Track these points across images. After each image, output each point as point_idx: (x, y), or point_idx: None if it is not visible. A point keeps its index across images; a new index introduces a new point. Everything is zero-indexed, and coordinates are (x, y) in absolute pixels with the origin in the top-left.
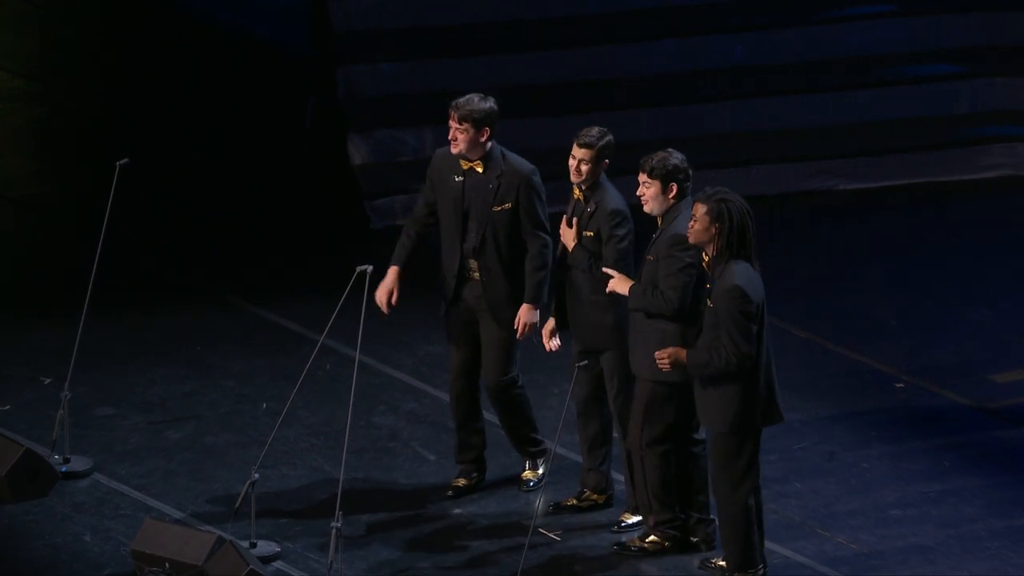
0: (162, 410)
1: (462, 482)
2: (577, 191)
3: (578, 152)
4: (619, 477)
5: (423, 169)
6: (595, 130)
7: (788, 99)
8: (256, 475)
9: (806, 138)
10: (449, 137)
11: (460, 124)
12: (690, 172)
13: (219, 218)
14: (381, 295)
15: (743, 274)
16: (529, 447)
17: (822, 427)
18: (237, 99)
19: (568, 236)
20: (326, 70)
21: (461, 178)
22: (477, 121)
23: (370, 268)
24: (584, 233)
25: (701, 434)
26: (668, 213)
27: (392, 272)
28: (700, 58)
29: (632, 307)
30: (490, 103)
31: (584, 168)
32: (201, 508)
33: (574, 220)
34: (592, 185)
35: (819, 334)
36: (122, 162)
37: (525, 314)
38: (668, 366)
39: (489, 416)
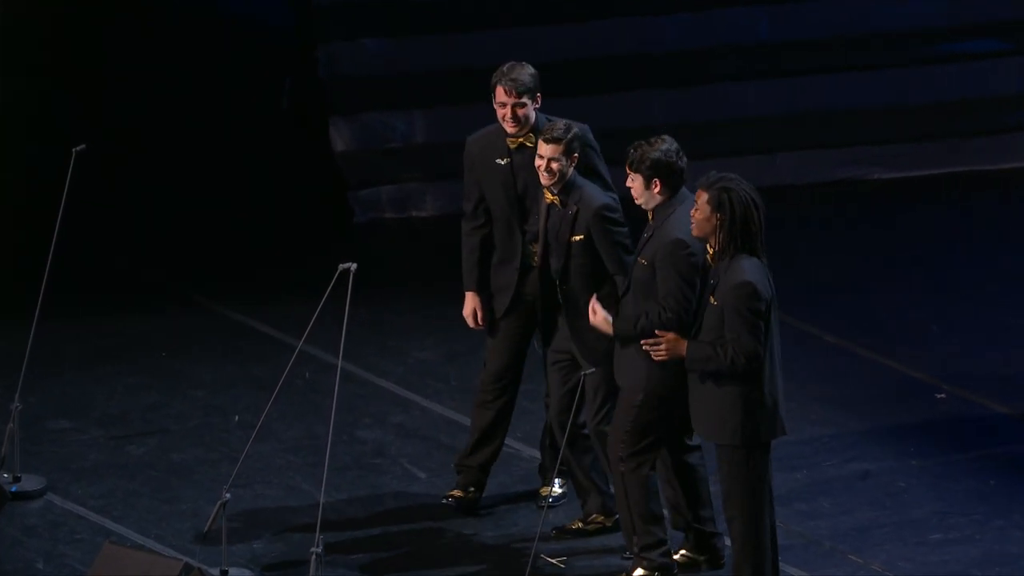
0: (123, 423)
1: (458, 493)
2: (549, 195)
3: (544, 149)
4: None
5: (412, 156)
6: (560, 123)
7: (817, 79)
8: (228, 495)
9: (837, 122)
10: (507, 116)
11: (519, 98)
12: (680, 164)
13: (187, 210)
14: (468, 316)
15: (752, 269)
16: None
17: (854, 441)
18: (207, 79)
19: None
20: (305, 47)
21: (506, 159)
22: (532, 91)
23: (354, 266)
24: (572, 239)
25: (695, 440)
26: (660, 209)
27: (471, 298)
28: (719, 33)
29: (622, 338)
30: (532, 68)
31: (555, 166)
32: (166, 532)
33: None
34: (565, 186)
35: (851, 339)
36: (79, 148)
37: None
38: (664, 353)
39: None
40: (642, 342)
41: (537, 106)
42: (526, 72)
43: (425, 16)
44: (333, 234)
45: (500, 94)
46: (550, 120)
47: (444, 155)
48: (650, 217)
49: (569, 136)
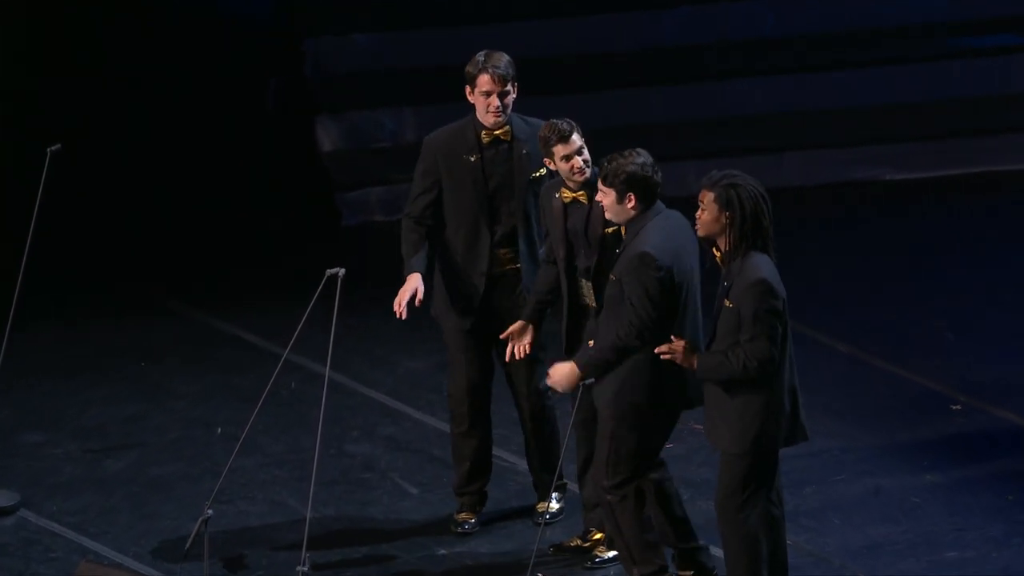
0: (100, 436)
1: (471, 516)
2: (568, 192)
3: (572, 144)
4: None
5: (403, 156)
6: (562, 121)
7: (826, 76)
8: (210, 511)
9: (847, 121)
10: (492, 106)
11: (505, 86)
12: (656, 179)
13: (167, 213)
14: (402, 298)
15: (767, 266)
16: (553, 475)
17: (866, 455)
18: (188, 77)
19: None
20: (291, 42)
21: (477, 156)
22: (515, 78)
23: (342, 271)
24: (607, 231)
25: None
26: (632, 223)
27: (415, 279)
28: (724, 28)
29: (592, 375)
30: (504, 54)
31: (587, 154)
32: (145, 550)
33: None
34: (586, 180)
35: (863, 348)
36: (54, 148)
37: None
38: (679, 355)
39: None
40: (656, 350)
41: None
42: (505, 59)
43: (416, 10)
44: (320, 238)
45: (485, 83)
46: (523, 118)
47: None
48: (623, 233)
49: (578, 127)
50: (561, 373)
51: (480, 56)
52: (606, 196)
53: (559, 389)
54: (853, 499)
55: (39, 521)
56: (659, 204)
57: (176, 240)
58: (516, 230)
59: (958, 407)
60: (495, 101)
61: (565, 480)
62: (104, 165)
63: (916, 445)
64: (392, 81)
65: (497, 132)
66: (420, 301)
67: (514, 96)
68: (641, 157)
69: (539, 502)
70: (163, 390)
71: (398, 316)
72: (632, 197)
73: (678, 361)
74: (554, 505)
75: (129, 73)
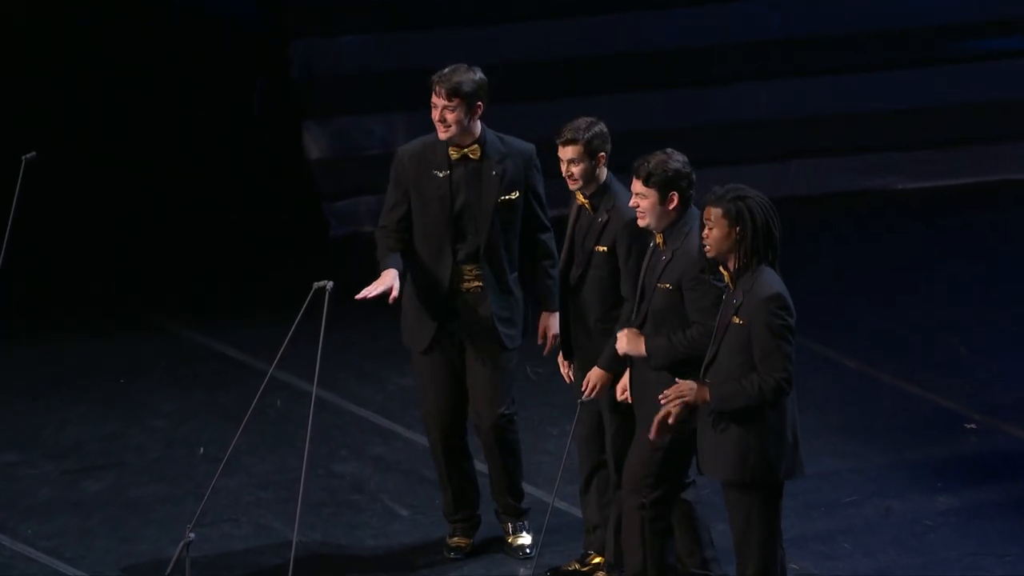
0: (77, 456)
1: (464, 542)
2: (580, 197)
3: (563, 151)
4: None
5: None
6: (581, 121)
7: (835, 80)
8: (192, 535)
9: (857, 127)
10: (436, 119)
11: (449, 100)
12: (693, 178)
13: (147, 223)
14: (371, 290)
15: (778, 281)
16: (519, 502)
17: (876, 476)
18: (170, 80)
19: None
20: (277, 44)
21: (446, 172)
22: (468, 95)
23: (330, 284)
24: (596, 248)
25: (690, 475)
26: (673, 230)
27: (389, 274)
28: (727, 29)
29: (661, 365)
30: (479, 73)
31: (576, 169)
32: (125, 575)
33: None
34: (598, 189)
35: (873, 364)
36: (29, 156)
37: (552, 324)
38: (689, 400)
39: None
40: (661, 397)
41: (478, 117)
42: (469, 74)
43: (408, 11)
44: (307, 249)
45: (433, 95)
46: (500, 135)
47: None
48: (660, 242)
49: (589, 135)
50: (635, 337)
51: (445, 69)
52: (645, 199)
53: (622, 349)
54: (863, 523)
55: (14, 545)
56: (693, 209)
57: (157, 251)
58: (486, 250)
59: (973, 426)
60: (435, 113)
61: (527, 507)
62: (81, 172)
63: (929, 466)
64: (382, 85)
65: (465, 149)
66: (394, 299)
67: (465, 114)
68: (680, 156)
69: (511, 535)
70: (143, 408)
71: (359, 298)
72: (675, 197)
73: (690, 402)
74: (525, 538)
75: (108, 74)
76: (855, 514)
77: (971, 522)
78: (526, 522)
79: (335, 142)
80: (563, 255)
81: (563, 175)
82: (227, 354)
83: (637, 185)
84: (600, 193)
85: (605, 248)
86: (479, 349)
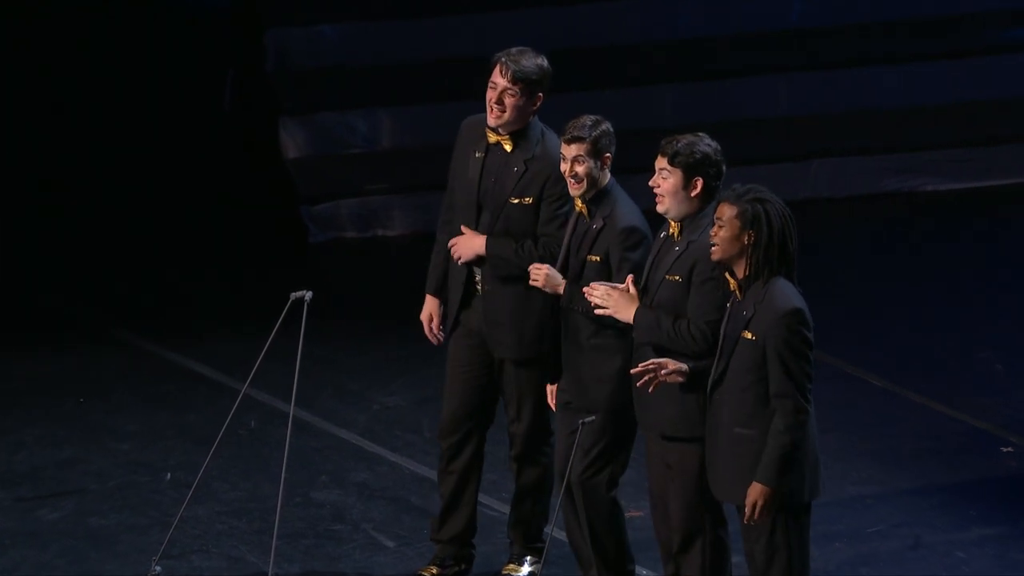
0: (33, 483)
1: (434, 571)
2: (579, 203)
3: (567, 149)
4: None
5: (377, 164)
6: (586, 119)
7: (858, 72)
8: (158, 568)
9: (883, 124)
10: (492, 100)
11: (513, 84)
12: (723, 168)
13: (110, 230)
14: (427, 326)
15: (796, 294)
16: (537, 531)
17: (904, 503)
18: (136, 74)
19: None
20: (250, 34)
21: (482, 154)
22: (533, 83)
23: (308, 295)
24: (588, 258)
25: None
26: (691, 220)
27: (430, 301)
28: (743, 19)
29: (641, 340)
30: (546, 61)
31: (580, 168)
32: None
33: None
34: (597, 194)
35: (901, 383)
36: None
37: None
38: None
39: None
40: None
41: (534, 109)
42: (537, 60)
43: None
44: (283, 256)
45: (495, 73)
46: (545, 133)
47: (414, 163)
48: (674, 232)
49: (596, 133)
50: (626, 299)
51: (513, 48)
52: (666, 180)
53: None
54: (889, 554)
55: None
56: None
57: (119, 259)
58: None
59: (1010, 449)
60: (492, 95)
61: (542, 543)
62: (36, 174)
63: (961, 492)
64: (365, 79)
65: (499, 138)
66: (439, 328)
67: (523, 102)
68: (711, 141)
69: (508, 563)
70: (105, 430)
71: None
72: (699, 183)
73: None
74: (525, 569)
75: (74, 71)
76: (880, 545)
77: (1008, 554)
78: (535, 556)
79: (314, 140)
80: (558, 267)
81: (566, 175)
82: (196, 371)
83: (661, 162)
84: (599, 198)
85: (598, 258)
86: (506, 364)
